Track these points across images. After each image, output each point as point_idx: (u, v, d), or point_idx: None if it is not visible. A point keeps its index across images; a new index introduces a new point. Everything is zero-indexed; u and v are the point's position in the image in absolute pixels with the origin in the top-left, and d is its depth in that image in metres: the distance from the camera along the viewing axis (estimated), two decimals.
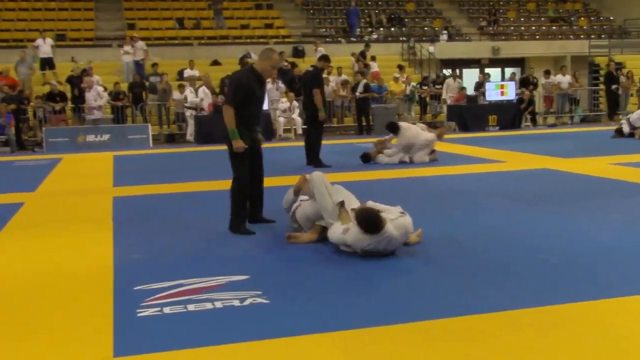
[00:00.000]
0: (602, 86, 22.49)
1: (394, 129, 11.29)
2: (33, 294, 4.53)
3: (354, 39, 25.39)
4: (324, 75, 18.62)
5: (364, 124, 18.54)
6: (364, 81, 18.87)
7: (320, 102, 10.77)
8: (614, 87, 20.88)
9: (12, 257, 5.56)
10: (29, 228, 6.81)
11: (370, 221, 4.98)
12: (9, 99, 16.91)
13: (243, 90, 5.98)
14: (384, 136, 11.75)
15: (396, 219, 5.19)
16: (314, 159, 10.87)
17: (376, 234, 4.98)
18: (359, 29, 26.44)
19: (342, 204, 5.43)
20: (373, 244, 5.02)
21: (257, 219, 6.38)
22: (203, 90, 17.31)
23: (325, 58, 11.31)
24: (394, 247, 5.14)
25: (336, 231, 5.24)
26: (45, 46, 19.85)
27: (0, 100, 16.92)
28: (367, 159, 11.23)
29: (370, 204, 5.58)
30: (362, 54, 21.98)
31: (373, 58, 22.15)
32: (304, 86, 11.33)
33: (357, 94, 18.51)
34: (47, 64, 19.88)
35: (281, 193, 6.50)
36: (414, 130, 11.24)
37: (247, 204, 6.23)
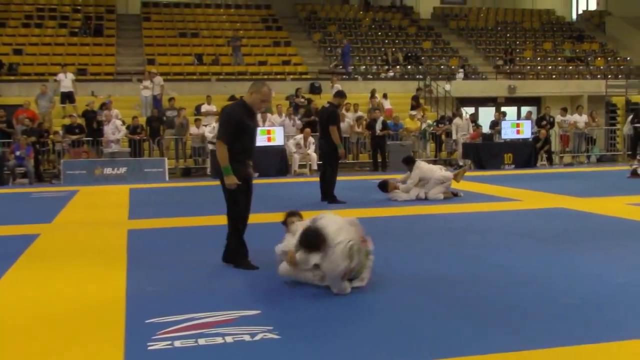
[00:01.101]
0: (619, 126, 22.41)
1: (408, 162, 11.56)
2: (46, 324, 4.55)
3: (370, 77, 25.59)
4: (342, 111, 18.84)
5: (379, 160, 18.59)
6: (382, 118, 18.97)
7: (337, 139, 10.81)
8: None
9: (26, 288, 5.59)
10: (43, 259, 6.85)
11: (309, 239, 5.02)
12: (29, 131, 17.16)
13: (234, 124, 5.92)
14: (400, 174, 11.81)
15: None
16: (329, 195, 10.88)
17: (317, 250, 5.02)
18: (375, 67, 26.67)
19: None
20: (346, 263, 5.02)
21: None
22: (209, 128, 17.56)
23: (340, 94, 11.37)
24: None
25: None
26: (66, 80, 20.19)
27: (20, 132, 17.17)
28: (384, 188, 11.26)
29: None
30: (372, 94, 22.12)
31: (385, 96, 22.28)
32: (320, 123, 11.39)
33: (378, 131, 18.58)
34: (67, 97, 20.19)
35: None
36: (429, 166, 11.35)
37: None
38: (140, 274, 5.94)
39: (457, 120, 20.04)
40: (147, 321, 4.47)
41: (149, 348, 3.96)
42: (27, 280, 5.87)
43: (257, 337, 4.10)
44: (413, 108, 21.44)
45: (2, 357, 3.90)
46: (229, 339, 4.07)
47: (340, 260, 4.97)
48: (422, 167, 11.34)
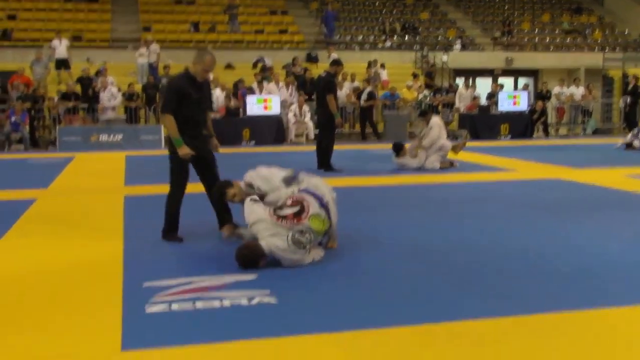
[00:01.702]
0: (615, 99, 22.41)
1: (425, 114, 11.74)
2: (43, 288, 4.58)
3: (368, 46, 25.45)
4: (339, 80, 18.79)
5: (371, 130, 18.62)
6: (369, 89, 18.89)
7: (334, 108, 10.80)
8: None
9: (22, 252, 5.62)
10: (40, 224, 6.87)
11: (246, 262, 4.92)
12: (24, 97, 17.07)
13: (176, 95, 5.77)
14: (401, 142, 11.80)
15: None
16: (325, 164, 10.90)
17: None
18: (372, 36, 26.50)
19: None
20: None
21: (228, 223, 6.16)
22: (217, 93, 17.45)
23: (337, 62, 11.30)
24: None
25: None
26: (61, 47, 20.01)
27: (15, 98, 17.08)
28: (398, 149, 11.29)
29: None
30: (369, 64, 22.01)
31: (382, 66, 22.17)
32: (317, 92, 11.36)
33: (362, 101, 18.57)
34: (62, 64, 20.04)
35: None
36: (439, 131, 11.30)
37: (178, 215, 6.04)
38: (137, 239, 5.97)
39: (461, 89, 20.00)
40: (144, 285, 4.51)
41: (147, 311, 4.00)
42: (24, 245, 5.89)
43: (254, 301, 4.15)
44: (428, 86, 21.16)
45: None
46: (226, 303, 4.12)
47: (293, 254, 4.97)
48: (435, 130, 11.33)
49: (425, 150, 11.15)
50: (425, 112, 11.97)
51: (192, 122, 5.88)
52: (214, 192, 5.98)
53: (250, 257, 4.91)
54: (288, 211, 5.11)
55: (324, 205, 5.24)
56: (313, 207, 5.15)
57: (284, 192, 5.44)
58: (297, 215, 5.07)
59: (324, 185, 5.52)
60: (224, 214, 6.16)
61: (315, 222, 5.11)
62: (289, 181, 5.63)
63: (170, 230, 5.97)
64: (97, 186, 9.66)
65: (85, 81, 18.42)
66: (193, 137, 5.89)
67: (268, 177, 5.72)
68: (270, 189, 5.55)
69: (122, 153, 14.74)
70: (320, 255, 5.21)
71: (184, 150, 5.79)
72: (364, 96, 18.64)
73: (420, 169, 10.95)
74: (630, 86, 20.60)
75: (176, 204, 6.01)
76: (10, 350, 3.44)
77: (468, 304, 4.09)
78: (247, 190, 5.71)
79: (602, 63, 25.25)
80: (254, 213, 5.27)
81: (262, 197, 5.55)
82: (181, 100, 5.76)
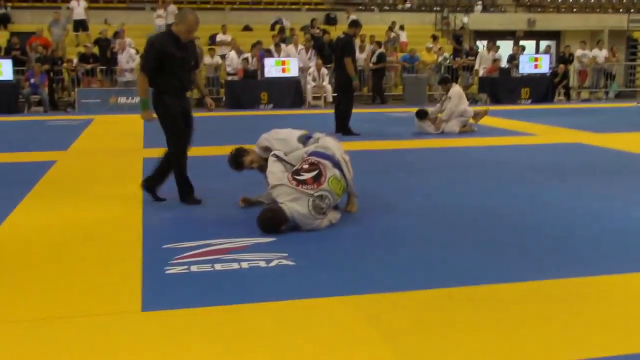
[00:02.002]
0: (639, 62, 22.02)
1: (446, 81, 11.63)
2: (63, 248, 4.63)
3: (387, 8, 25.11)
4: (359, 43, 18.60)
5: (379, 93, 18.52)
6: (378, 51, 18.67)
7: (352, 71, 10.69)
8: None
9: (43, 213, 5.66)
10: (60, 185, 6.93)
11: (268, 227, 4.90)
12: (42, 59, 17.08)
13: (156, 54, 5.59)
14: (412, 107, 11.71)
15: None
16: (343, 127, 10.84)
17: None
18: None
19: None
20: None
21: (154, 194, 6.02)
22: (231, 55, 17.40)
23: (355, 24, 11.12)
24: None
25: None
26: (79, 8, 19.93)
27: (34, 60, 17.10)
28: (422, 116, 11.22)
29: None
30: (390, 27, 21.73)
31: (402, 27, 21.88)
32: (335, 54, 11.23)
33: (371, 64, 18.39)
34: (80, 26, 19.97)
35: None
36: (458, 101, 11.14)
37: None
38: (156, 202, 6.00)
39: (483, 51, 19.71)
40: (164, 246, 4.54)
41: (167, 272, 4.03)
42: (45, 206, 5.94)
43: (272, 264, 4.16)
44: (457, 51, 20.73)
45: (21, 279, 3.99)
46: (244, 265, 4.14)
47: (312, 220, 4.96)
48: (461, 92, 11.24)
49: (445, 121, 11.05)
50: (447, 79, 11.79)
51: (176, 82, 5.72)
52: (231, 160, 5.89)
53: (273, 221, 4.89)
54: (306, 176, 5.08)
55: (336, 163, 5.21)
56: (329, 169, 5.14)
57: (302, 151, 5.40)
58: (316, 179, 5.05)
59: (334, 144, 5.46)
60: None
61: (334, 184, 5.11)
62: (304, 140, 5.61)
63: (187, 192, 5.92)
64: (116, 148, 9.69)
65: (103, 43, 18.36)
66: (177, 97, 5.77)
67: (285, 138, 5.70)
68: (289, 150, 5.52)
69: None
70: (336, 218, 5.21)
71: (148, 115, 5.72)
72: (373, 59, 18.45)
73: (440, 134, 10.86)
74: None
75: (181, 168, 5.88)
76: (30, 306, 3.49)
77: (488, 269, 4.08)
78: (263, 154, 5.69)
79: (627, 24, 24.74)
80: (273, 175, 5.22)
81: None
82: (163, 60, 5.59)
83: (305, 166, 5.17)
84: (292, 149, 5.52)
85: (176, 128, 5.78)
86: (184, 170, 5.90)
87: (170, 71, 5.63)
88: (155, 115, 5.75)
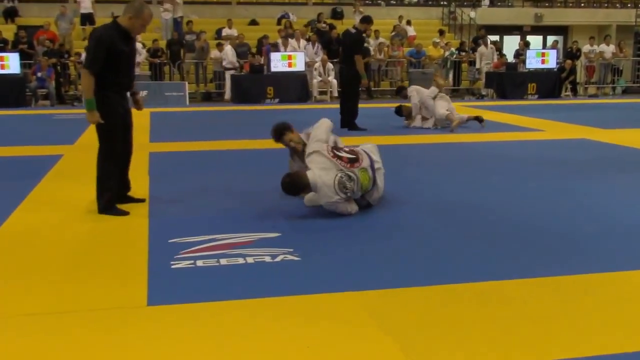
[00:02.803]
0: None
1: (399, 92, 11.75)
2: (70, 242, 4.65)
3: (394, 2, 25.05)
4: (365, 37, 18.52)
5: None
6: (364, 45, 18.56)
7: (362, 68, 10.63)
8: None
9: (50, 206, 5.69)
10: (67, 179, 6.95)
11: (289, 189, 5.16)
12: (50, 52, 17.12)
13: (106, 50, 5.08)
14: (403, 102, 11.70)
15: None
16: (350, 123, 10.81)
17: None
18: None
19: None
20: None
21: (125, 199, 5.62)
22: (230, 49, 17.46)
23: (367, 20, 10.95)
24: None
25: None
26: (86, 2, 19.97)
27: (41, 54, 17.14)
28: (399, 113, 11.29)
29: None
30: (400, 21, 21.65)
31: (409, 22, 21.83)
32: (344, 48, 11.15)
33: None
34: (87, 19, 20.01)
35: None
36: (417, 101, 11.10)
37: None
38: (162, 196, 6.01)
39: (481, 48, 19.66)
40: (170, 241, 4.55)
41: (172, 266, 4.04)
42: (50, 200, 5.96)
43: (278, 259, 4.17)
44: (474, 49, 20.48)
45: (28, 273, 4.01)
46: (250, 260, 4.14)
47: (332, 194, 5.07)
48: (421, 91, 11.15)
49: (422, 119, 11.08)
50: (400, 89, 11.74)
51: (120, 80, 5.29)
52: (276, 128, 5.93)
53: (291, 186, 5.13)
54: (344, 154, 5.28)
55: (372, 167, 5.38)
56: (365, 161, 5.32)
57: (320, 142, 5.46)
58: (351, 161, 5.23)
59: (376, 153, 5.61)
60: (113, 196, 5.44)
61: (363, 175, 5.25)
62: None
63: (111, 202, 5.39)
64: None
65: None
66: (120, 96, 5.34)
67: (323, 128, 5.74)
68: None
69: (147, 109, 14.69)
70: (355, 209, 5.29)
71: (94, 117, 5.15)
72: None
73: (445, 129, 10.81)
74: None
75: (109, 174, 5.38)
76: (37, 300, 3.50)
77: (494, 265, 4.07)
78: (305, 139, 5.84)
79: (635, 19, 24.62)
80: (313, 144, 5.37)
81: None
82: (110, 56, 5.11)
83: (347, 149, 5.39)
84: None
85: (115, 130, 5.31)
86: (113, 177, 5.40)
87: (116, 68, 5.17)
88: (98, 118, 5.18)
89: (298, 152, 5.87)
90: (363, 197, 5.40)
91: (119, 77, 5.24)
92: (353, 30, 10.94)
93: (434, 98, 10.90)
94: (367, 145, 5.69)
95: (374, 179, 5.38)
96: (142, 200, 5.73)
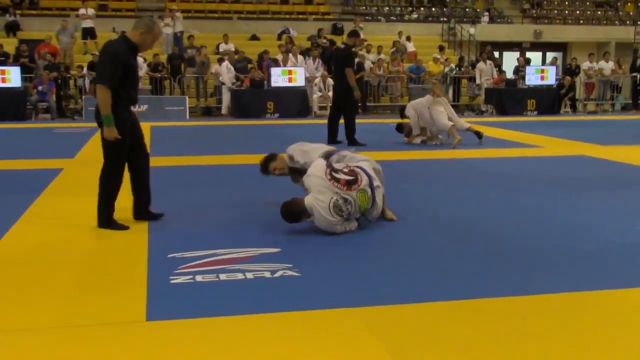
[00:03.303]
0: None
1: (401, 112, 11.53)
2: (69, 256, 4.64)
3: (394, 18, 25.19)
4: (364, 53, 18.63)
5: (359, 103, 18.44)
6: (357, 59, 18.60)
7: (354, 81, 10.73)
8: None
9: (49, 220, 5.69)
10: (67, 192, 6.96)
11: (287, 217, 5.17)
12: (51, 66, 17.18)
13: (122, 65, 5.12)
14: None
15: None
16: (349, 138, 10.83)
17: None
18: (398, 8, 26.20)
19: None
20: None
21: (143, 214, 5.60)
22: (226, 66, 17.54)
23: (354, 33, 11.14)
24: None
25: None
26: (88, 16, 20.08)
27: (42, 67, 17.20)
28: (400, 130, 11.29)
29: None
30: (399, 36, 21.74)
31: (408, 38, 21.94)
32: (335, 64, 11.27)
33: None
34: (88, 33, 20.11)
35: None
36: (418, 107, 11.06)
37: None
38: (162, 210, 6.00)
39: (480, 64, 19.74)
40: (169, 256, 4.55)
41: (172, 281, 4.04)
42: (50, 214, 5.97)
43: (277, 274, 4.17)
44: (474, 65, 20.65)
45: (27, 286, 4.00)
46: (249, 275, 4.14)
47: (329, 216, 5.08)
48: (416, 105, 11.06)
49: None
50: (400, 112, 11.70)
51: (130, 94, 5.30)
52: (260, 164, 5.99)
53: (289, 214, 5.13)
54: (342, 177, 5.24)
55: (371, 186, 5.35)
56: (364, 182, 5.28)
57: (320, 162, 5.46)
58: (349, 184, 5.20)
59: (371, 169, 5.58)
60: (142, 201, 5.58)
61: (362, 197, 5.23)
62: (328, 155, 5.68)
63: (110, 218, 5.40)
64: None
65: None
66: (128, 110, 5.35)
67: (308, 150, 5.85)
68: (308, 162, 5.63)
69: (147, 123, 14.73)
70: (354, 226, 5.30)
71: (112, 133, 5.14)
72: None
73: (440, 145, 10.82)
74: None
75: (113, 189, 5.39)
76: (36, 315, 3.50)
77: (491, 281, 4.08)
78: (290, 163, 5.89)
79: (634, 36, 24.75)
80: (312, 167, 5.40)
81: (300, 170, 5.68)
82: (124, 71, 5.15)
83: (345, 170, 5.34)
84: (311, 161, 5.60)
85: (122, 147, 5.30)
86: (116, 193, 5.40)
87: (127, 83, 5.21)
88: (117, 134, 5.19)
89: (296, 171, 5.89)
90: (363, 215, 5.41)
91: (129, 92, 5.28)
92: (342, 46, 11.12)
93: (430, 107, 10.85)
94: (363, 163, 5.62)
95: (373, 198, 5.36)
96: (161, 215, 5.71)
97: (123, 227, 5.35)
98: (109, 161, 5.36)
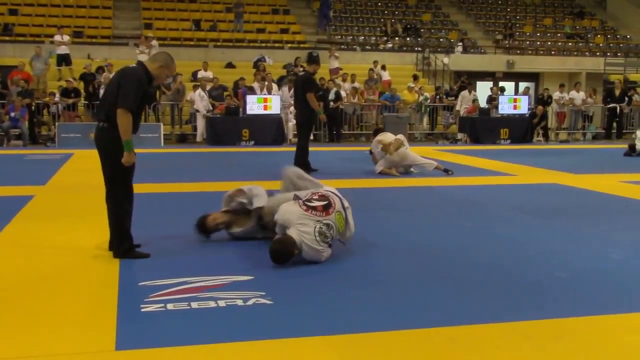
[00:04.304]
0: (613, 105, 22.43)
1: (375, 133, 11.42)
2: (38, 284, 4.56)
3: (369, 47, 25.43)
4: (340, 82, 18.81)
5: (334, 132, 18.57)
6: (335, 89, 18.80)
7: (316, 105, 10.79)
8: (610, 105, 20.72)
9: (19, 248, 5.60)
10: (37, 220, 6.85)
11: (279, 258, 5.03)
12: (24, 93, 17.04)
13: (142, 91, 5.19)
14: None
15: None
16: (302, 163, 10.60)
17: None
18: (373, 38, 26.48)
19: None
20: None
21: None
22: (199, 93, 17.56)
23: (314, 60, 11.29)
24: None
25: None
26: (63, 42, 20.01)
27: (15, 94, 17.05)
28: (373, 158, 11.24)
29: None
30: (375, 65, 21.92)
31: (383, 67, 22.17)
32: (295, 91, 11.37)
33: (331, 103, 18.19)
34: (63, 60, 20.02)
35: None
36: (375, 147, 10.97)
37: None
38: (134, 237, 5.93)
39: (464, 92, 19.96)
40: (140, 284, 4.49)
41: (142, 310, 3.98)
42: (21, 241, 5.87)
43: (250, 302, 4.13)
44: (448, 94, 20.86)
45: None
46: (221, 303, 4.10)
47: (317, 246, 5.05)
48: (380, 142, 10.94)
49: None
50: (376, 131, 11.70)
51: (137, 121, 5.28)
52: (197, 228, 5.88)
53: (283, 251, 5.00)
54: (317, 203, 5.25)
55: (344, 207, 5.38)
56: (337, 203, 5.32)
57: (289, 201, 5.44)
58: (326, 208, 5.22)
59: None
60: (130, 237, 5.39)
61: (339, 219, 5.26)
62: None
63: (130, 245, 5.36)
64: (95, 183, 9.51)
65: (88, 77, 18.44)
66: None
67: (259, 194, 5.85)
68: (265, 201, 5.73)
69: None
70: (329, 253, 5.26)
71: (133, 157, 5.17)
72: (331, 96, 18.49)
73: (409, 173, 10.81)
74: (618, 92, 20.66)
75: (126, 215, 5.34)
76: (4, 348, 3.42)
77: (466, 309, 4.07)
78: (239, 199, 5.86)
79: (604, 67, 25.24)
80: (285, 203, 5.37)
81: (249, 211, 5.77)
82: (141, 99, 5.22)
83: (316, 197, 5.35)
84: (267, 200, 5.72)
85: (132, 171, 5.29)
86: (130, 218, 5.36)
87: (138, 110, 5.23)
88: (135, 159, 5.23)
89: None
90: (338, 239, 5.39)
91: (136, 119, 5.24)
92: (301, 72, 11.20)
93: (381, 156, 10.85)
94: (328, 187, 5.66)
95: (346, 219, 5.38)
96: (138, 246, 5.51)
97: (144, 256, 5.28)
98: (120, 187, 5.29)
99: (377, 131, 11.50)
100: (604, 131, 21.56)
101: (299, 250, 5.03)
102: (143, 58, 20.10)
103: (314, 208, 5.19)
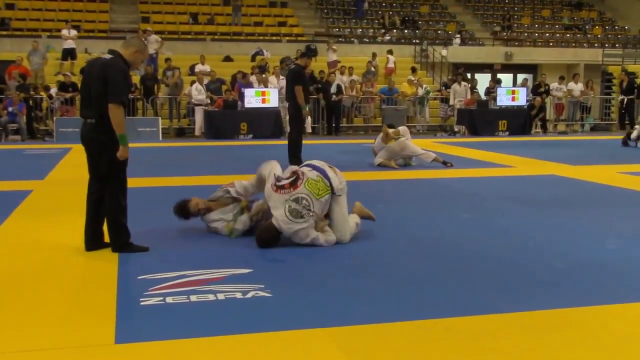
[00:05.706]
0: (614, 95, 22.38)
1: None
2: (37, 278, 4.57)
3: (367, 40, 25.39)
4: (339, 75, 18.79)
5: (333, 125, 18.61)
6: (336, 82, 18.80)
7: (302, 100, 10.77)
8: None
9: (18, 242, 5.60)
10: (36, 215, 6.86)
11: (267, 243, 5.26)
12: (21, 87, 17.01)
13: (128, 83, 5.21)
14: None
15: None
16: (295, 157, 10.55)
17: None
18: (371, 31, 26.44)
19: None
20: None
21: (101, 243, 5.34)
22: (196, 87, 17.53)
23: (305, 54, 11.31)
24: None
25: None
26: (69, 37, 20.02)
27: (13, 88, 17.03)
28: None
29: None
30: (373, 57, 21.90)
31: (390, 51, 22.15)
32: (286, 84, 11.40)
33: (333, 96, 18.31)
34: (69, 54, 20.02)
35: None
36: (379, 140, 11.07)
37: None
38: (132, 231, 5.92)
39: (455, 86, 19.94)
40: (139, 277, 4.50)
41: (142, 303, 3.98)
42: (19, 235, 5.88)
43: (249, 295, 4.13)
44: (447, 86, 20.77)
45: None
46: (220, 296, 4.10)
47: (292, 223, 5.19)
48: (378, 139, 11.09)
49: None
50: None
51: (125, 113, 5.16)
52: (176, 212, 5.95)
53: (268, 238, 5.24)
54: (285, 182, 5.37)
55: (320, 170, 5.47)
56: (306, 173, 5.42)
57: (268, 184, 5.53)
58: (293, 183, 5.32)
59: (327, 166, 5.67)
60: (128, 232, 5.31)
61: (311, 185, 5.32)
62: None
63: (128, 239, 5.30)
64: None
65: None
66: None
67: (246, 186, 5.93)
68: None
69: None
70: (331, 240, 5.36)
71: (126, 152, 5.11)
72: (333, 89, 18.49)
73: (408, 166, 10.81)
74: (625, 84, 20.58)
75: (125, 209, 5.31)
76: (4, 341, 3.42)
77: (464, 300, 4.08)
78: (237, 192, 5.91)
79: (602, 59, 25.22)
80: (265, 190, 5.48)
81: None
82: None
83: (288, 174, 5.48)
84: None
85: (125, 164, 5.26)
86: (126, 212, 5.31)
87: (126, 102, 5.17)
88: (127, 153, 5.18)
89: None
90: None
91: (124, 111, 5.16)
92: (293, 66, 11.23)
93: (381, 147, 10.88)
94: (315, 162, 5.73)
95: (327, 178, 5.41)
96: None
97: (143, 249, 5.27)
98: (118, 181, 5.24)
99: (389, 127, 11.49)
100: (602, 122, 21.55)
101: (280, 232, 5.21)
102: None
103: (282, 187, 5.33)
